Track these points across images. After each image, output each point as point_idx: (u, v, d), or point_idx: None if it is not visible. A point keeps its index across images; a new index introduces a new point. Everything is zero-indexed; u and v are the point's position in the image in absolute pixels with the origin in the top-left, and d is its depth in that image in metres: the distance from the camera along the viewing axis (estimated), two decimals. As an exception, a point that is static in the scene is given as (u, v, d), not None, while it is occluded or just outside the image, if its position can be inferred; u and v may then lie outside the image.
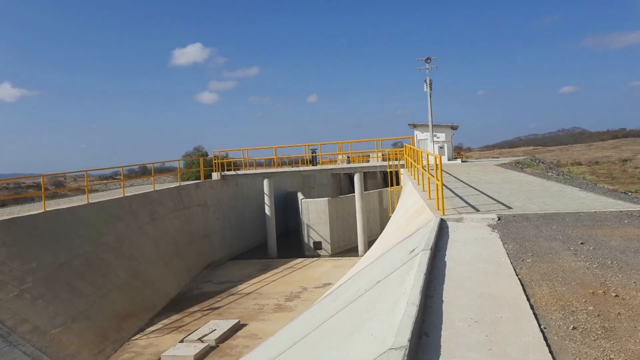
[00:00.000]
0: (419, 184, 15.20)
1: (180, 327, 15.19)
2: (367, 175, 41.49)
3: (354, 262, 17.55)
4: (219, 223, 26.20)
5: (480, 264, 6.22)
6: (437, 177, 10.20)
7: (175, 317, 16.14)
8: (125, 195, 20.02)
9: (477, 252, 6.85)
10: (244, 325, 14.78)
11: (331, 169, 29.43)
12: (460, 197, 11.91)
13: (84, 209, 17.59)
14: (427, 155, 12.16)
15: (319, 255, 26.18)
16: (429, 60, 32.55)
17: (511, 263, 6.18)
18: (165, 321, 15.78)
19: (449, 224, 9.08)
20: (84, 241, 16.62)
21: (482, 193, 12.42)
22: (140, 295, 17.02)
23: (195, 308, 16.99)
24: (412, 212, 12.79)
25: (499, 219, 9.05)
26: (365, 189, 37.29)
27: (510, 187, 13.69)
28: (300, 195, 29.06)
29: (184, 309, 16.98)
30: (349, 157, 38.35)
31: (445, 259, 6.61)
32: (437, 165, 10.26)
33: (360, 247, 25.56)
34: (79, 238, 16.57)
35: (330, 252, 26.53)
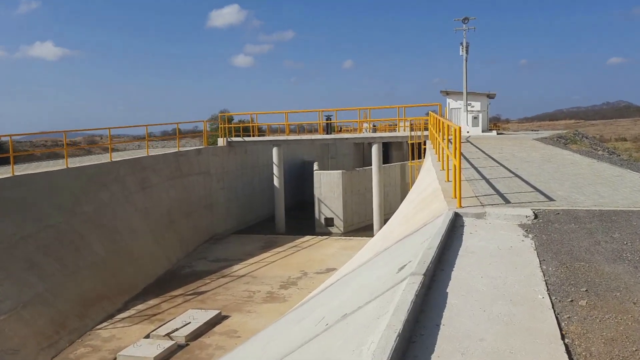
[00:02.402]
0: (439, 160, 12.68)
1: (154, 315, 13.31)
2: (393, 146, 38.59)
3: (365, 243, 15.28)
4: (223, 193, 24.12)
5: (501, 305, 3.81)
6: (455, 155, 7.66)
7: (152, 302, 14.26)
8: (113, 160, 18.07)
9: (498, 278, 4.44)
10: (225, 317, 12.77)
11: (347, 138, 26.69)
12: (487, 180, 9.37)
13: (60, 175, 15.73)
14: (447, 125, 9.55)
15: (330, 233, 23.88)
16: (466, 21, 28.85)
17: (552, 306, 3.77)
18: (140, 307, 13.92)
19: (466, 221, 6.61)
20: (56, 211, 14.78)
21: (516, 175, 9.87)
22: (119, 274, 15.18)
23: (179, 291, 15.08)
24: (424, 197, 10.30)
25: (536, 216, 6.54)
26: (390, 161, 34.60)
27: (551, 167, 11.04)
28: (315, 166, 26.65)
29: (166, 291, 15.09)
30: (375, 126, 35.39)
31: (447, 290, 4.23)
32: (456, 139, 7.69)
33: (376, 226, 23.10)
34: (51, 207, 14.74)
35: (342, 229, 24.18)
